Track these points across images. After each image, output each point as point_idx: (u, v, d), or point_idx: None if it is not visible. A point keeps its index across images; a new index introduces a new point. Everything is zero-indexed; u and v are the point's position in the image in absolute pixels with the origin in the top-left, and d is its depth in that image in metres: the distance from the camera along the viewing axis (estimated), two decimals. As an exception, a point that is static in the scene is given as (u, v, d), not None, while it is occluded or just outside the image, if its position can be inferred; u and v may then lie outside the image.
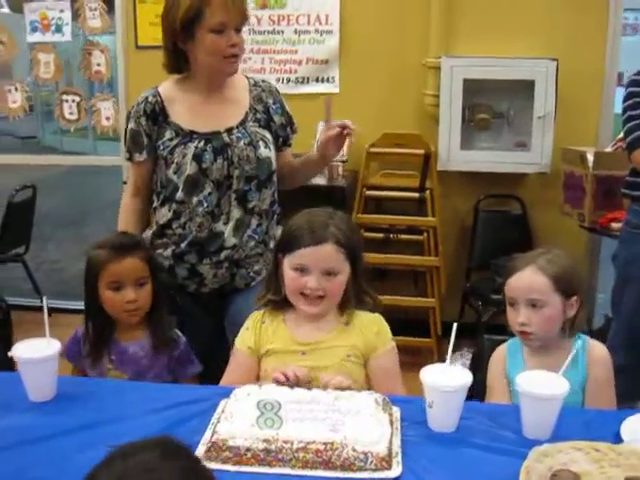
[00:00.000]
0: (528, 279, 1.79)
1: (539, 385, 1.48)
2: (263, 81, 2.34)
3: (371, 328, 1.84)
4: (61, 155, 7.99)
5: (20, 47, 4.35)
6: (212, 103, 2.23)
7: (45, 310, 1.69)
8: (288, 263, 1.80)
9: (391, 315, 3.94)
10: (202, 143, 2.17)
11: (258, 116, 2.25)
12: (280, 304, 1.87)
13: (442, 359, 3.67)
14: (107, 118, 4.19)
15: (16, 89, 4.31)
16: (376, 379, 1.81)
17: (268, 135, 2.25)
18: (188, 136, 2.18)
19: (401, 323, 3.53)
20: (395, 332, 3.59)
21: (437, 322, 3.75)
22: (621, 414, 1.56)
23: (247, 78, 2.31)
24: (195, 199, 2.18)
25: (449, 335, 3.95)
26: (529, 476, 1.26)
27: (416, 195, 3.69)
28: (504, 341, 1.96)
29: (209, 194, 2.18)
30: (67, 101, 4.24)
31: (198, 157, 2.16)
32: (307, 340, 1.81)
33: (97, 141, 8.71)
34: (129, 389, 1.75)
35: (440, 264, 3.77)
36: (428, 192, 3.69)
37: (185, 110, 2.22)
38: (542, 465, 1.31)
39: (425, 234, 3.76)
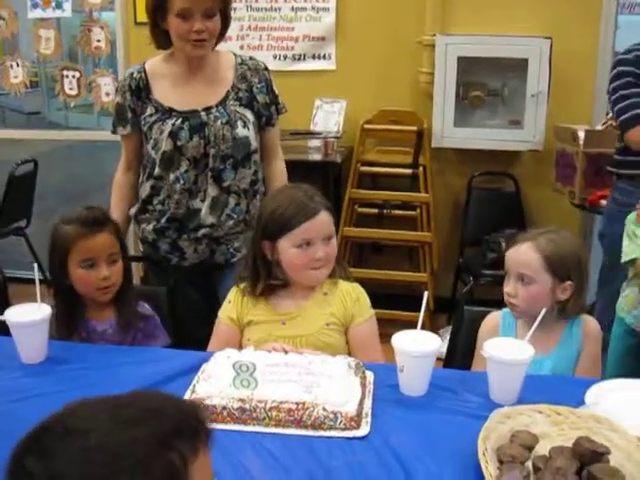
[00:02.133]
0: (521, 254, 1.83)
1: (505, 350, 1.54)
2: (251, 59, 2.35)
3: (350, 296, 1.90)
4: (64, 130, 8.02)
5: (24, 23, 4.38)
6: (194, 81, 2.27)
7: (37, 276, 1.76)
8: (288, 243, 1.83)
9: (386, 290, 4.04)
10: (179, 121, 2.22)
11: (240, 95, 2.28)
12: (272, 286, 1.90)
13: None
14: (107, 94, 4.24)
15: (17, 65, 4.36)
16: (355, 347, 1.87)
17: (249, 115, 2.28)
18: (167, 113, 2.23)
19: (395, 298, 3.63)
20: (389, 306, 3.69)
21: (429, 297, 3.81)
22: (587, 382, 1.62)
23: (235, 56, 2.34)
24: (172, 176, 2.24)
25: (442, 310, 4.00)
26: (488, 437, 1.32)
27: (409, 171, 3.74)
28: (483, 313, 2.03)
29: (185, 171, 2.24)
30: (67, 77, 4.28)
31: (174, 134, 2.21)
32: (286, 310, 1.88)
33: (101, 117, 8.74)
34: (117, 353, 1.82)
35: (433, 240, 3.83)
36: (421, 168, 3.73)
37: (167, 87, 2.27)
38: (504, 426, 1.37)
39: (418, 210, 3.81)
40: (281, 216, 1.84)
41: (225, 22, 2.23)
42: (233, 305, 1.92)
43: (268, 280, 1.88)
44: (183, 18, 2.11)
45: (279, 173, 2.41)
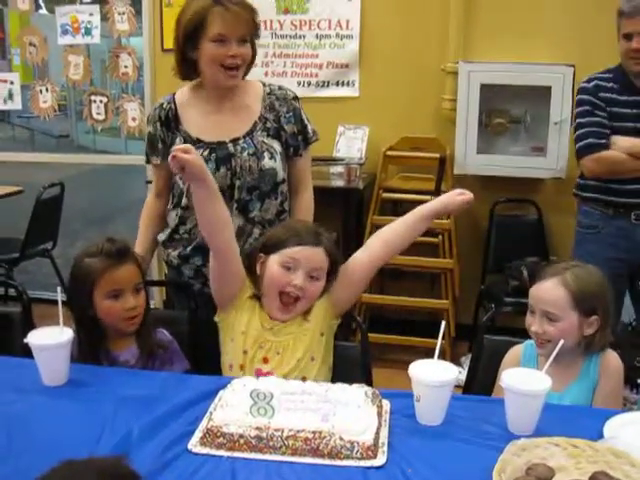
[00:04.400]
0: (548, 291, 1.81)
1: (522, 381, 1.53)
2: (280, 88, 2.35)
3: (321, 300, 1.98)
4: (92, 154, 8.16)
5: (55, 49, 4.49)
6: (222, 111, 2.29)
7: (59, 299, 1.78)
8: (276, 260, 1.90)
9: (407, 316, 4.03)
10: (207, 152, 2.23)
11: (268, 125, 2.28)
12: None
13: (455, 361, 3.73)
14: (133, 119, 4.31)
15: (47, 90, 4.45)
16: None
17: (276, 145, 2.28)
18: (195, 144, 2.23)
19: (417, 324, 3.62)
20: (410, 333, 3.67)
21: (451, 324, 3.80)
22: (607, 414, 1.61)
23: (264, 86, 2.34)
24: None
25: (464, 338, 3.98)
26: (504, 469, 1.32)
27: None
28: (503, 342, 2.02)
29: None
30: (95, 101, 4.37)
31: None
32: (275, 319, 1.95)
33: (129, 140, 8.89)
34: (137, 377, 1.84)
35: (454, 266, 3.82)
36: (444, 195, 3.73)
37: (196, 118, 2.29)
38: (519, 459, 1.36)
39: (440, 237, 3.81)
40: (281, 235, 1.94)
41: (253, 52, 2.25)
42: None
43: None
44: (219, 43, 2.14)
45: (304, 208, 2.37)
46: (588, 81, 2.87)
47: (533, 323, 1.83)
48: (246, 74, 2.29)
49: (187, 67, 2.25)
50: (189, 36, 2.17)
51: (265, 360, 1.91)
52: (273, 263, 1.91)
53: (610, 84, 2.83)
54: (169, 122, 2.29)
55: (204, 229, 1.96)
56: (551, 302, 1.80)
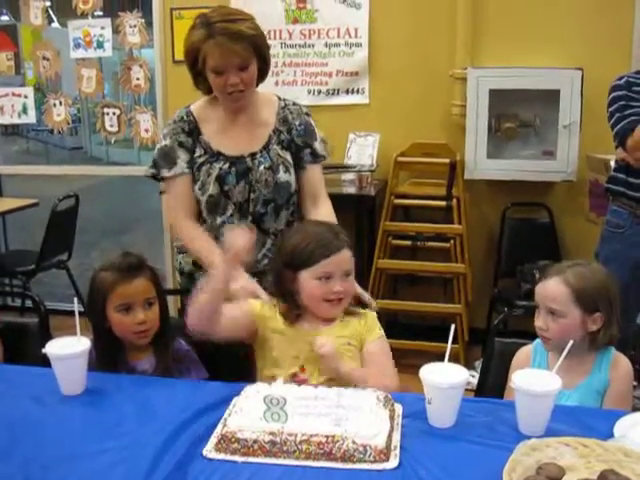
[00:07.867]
0: (549, 288, 1.87)
1: (533, 382, 1.55)
2: (294, 104, 2.37)
3: (364, 319, 1.99)
4: (106, 166, 8.23)
5: (67, 63, 4.55)
6: (239, 125, 2.30)
7: (76, 309, 1.81)
8: (310, 275, 1.91)
9: (421, 321, 4.04)
10: (227, 165, 2.25)
11: (282, 137, 2.30)
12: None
13: (468, 366, 3.74)
14: (146, 130, 4.36)
15: (60, 103, 4.51)
16: (367, 365, 1.94)
17: (289, 157, 2.30)
18: (215, 156, 2.26)
19: (430, 329, 3.63)
20: (423, 337, 3.68)
21: (464, 328, 3.81)
22: (616, 414, 1.62)
23: (279, 99, 2.36)
24: (219, 219, 2.27)
25: (477, 342, 3.98)
26: (514, 469, 1.33)
27: (443, 203, 3.77)
28: (515, 344, 2.04)
29: (231, 215, 2.27)
30: (108, 114, 4.43)
31: (221, 178, 2.24)
32: (307, 329, 1.96)
33: (141, 152, 8.96)
34: (152, 384, 1.86)
35: (467, 271, 3.83)
36: (455, 200, 3.76)
37: (214, 131, 2.30)
38: (530, 458, 1.38)
39: (452, 241, 3.83)
40: (305, 250, 1.92)
41: (265, 64, 2.25)
42: (262, 305, 2.01)
43: (295, 309, 1.97)
44: (217, 74, 2.15)
45: (328, 217, 2.30)
46: (619, 79, 2.88)
47: (538, 319, 1.89)
48: (258, 84, 2.28)
49: (205, 83, 2.25)
50: (193, 63, 2.20)
51: (302, 369, 1.92)
52: (308, 279, 1.91)
53: None
54: (192, 132, 2.29)
55: (205, 321, 1.88)
56: (553, 298, 1.85)
